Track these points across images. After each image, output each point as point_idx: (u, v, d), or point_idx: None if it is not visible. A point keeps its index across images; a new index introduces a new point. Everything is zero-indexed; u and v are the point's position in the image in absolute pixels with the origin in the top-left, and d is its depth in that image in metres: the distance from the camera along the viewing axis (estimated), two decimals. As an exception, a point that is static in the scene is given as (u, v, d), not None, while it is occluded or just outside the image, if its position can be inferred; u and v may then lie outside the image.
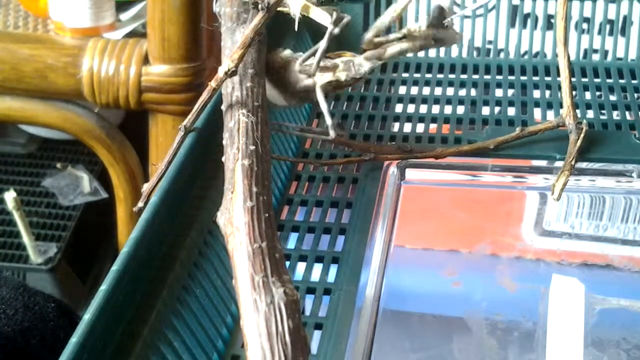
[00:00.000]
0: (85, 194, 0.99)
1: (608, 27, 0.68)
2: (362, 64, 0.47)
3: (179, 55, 0.77)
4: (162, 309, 0.40)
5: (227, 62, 0.42)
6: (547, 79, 0.66)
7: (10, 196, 0.89)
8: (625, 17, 0.67)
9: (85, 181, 1.00)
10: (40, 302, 0.60)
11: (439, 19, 0.43)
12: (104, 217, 0.96)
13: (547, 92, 0.64)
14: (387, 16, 0.43)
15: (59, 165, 1.03)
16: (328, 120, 0.48)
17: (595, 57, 0.68)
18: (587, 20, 0.68)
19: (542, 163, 0.55)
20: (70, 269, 0.95)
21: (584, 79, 0.66)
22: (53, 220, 0.97)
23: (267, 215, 0.37)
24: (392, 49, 0.43)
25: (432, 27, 0.43)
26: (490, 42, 0.69)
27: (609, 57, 0.68)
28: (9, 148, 1.07)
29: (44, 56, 0.79)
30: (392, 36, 0.44)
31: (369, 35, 0.43)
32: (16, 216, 0.91)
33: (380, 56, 0.43)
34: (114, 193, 0.88)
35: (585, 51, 0.68)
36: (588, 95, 0.64)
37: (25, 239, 0.91)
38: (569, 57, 0.54)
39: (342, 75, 0.48)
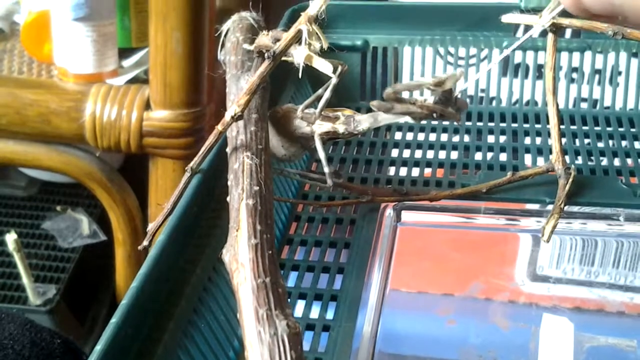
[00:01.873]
0: (85, 236, 1.00)
1: (596, 77, 0.69)
2: (361, 121, 0.49)
3: (180, 101, 0.78)
4: (168, 342, 0.41)
5: (234, 107, 0.44)
6: (537, 126, 0.67)
7: (10, 238, 0.90)
8: (612, 68, 0.69)
9: (85, 224, 1.01)
10: (47, 339, 0.60)
11: (446, 99, 0.46)
12: (103, 260, 0.96)
13: (538, 139, 0.65)
14: (421, 81, 0.46)
15: (58, 207, 1.04)
16: (326, 169, 0.49)
17: (584, 106, 0.70)
18: (575, 70, 0.70)
19: (534, 206, 0.56)
20: (69, 311, 0.95)
21: (572, 127, 0.67)
22: (52, 262, 0.98)
23: (270, 252, 0.38)
24: (401, 108, 0.46)
25: (439, 104, 0.46)
26: (482, 91, 0.71)
27: (597, 106, 0.70)
28: (10, 191, 1.07)
29: (47, 101, 0.80)
30: (406, 99, 0.47)
31: (395, 87, 0.45)
32: (16, 258, 0.91)
33: (389, 109, 0.45)
34: (113, 236, 0.89)
35: (575, 100, 0.70)
36: (577, 142, 0.65)
37: (25, 280, 0.91)
38: (557, 106, 0.55)
39: (340, 128, 0.49)
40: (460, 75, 0.45)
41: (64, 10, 0.78)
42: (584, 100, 0.70)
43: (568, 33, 0.74)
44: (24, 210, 1.06)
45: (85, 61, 0.80)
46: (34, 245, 1.00)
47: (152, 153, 0.82)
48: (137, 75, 0.83)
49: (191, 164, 0.46)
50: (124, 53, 0.84)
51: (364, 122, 0.49)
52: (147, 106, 0.79)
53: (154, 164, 0.82)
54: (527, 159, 0.63)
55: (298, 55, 0.44)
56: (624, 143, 0.64)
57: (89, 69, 0.81)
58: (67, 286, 0.95)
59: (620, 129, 0.66)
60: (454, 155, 0.63)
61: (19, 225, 1.03)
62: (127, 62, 0.84)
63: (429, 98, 0.46)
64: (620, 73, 0.69)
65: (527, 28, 0.57)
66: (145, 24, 0.79)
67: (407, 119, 0.47)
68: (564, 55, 0.69)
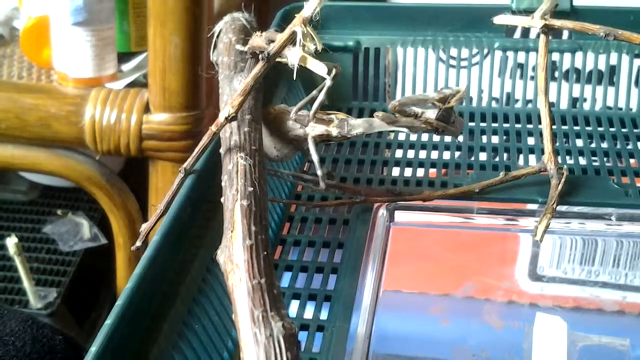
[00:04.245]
0: (85, 240, 1.00)
1: (588, 77, 0.69)
2: (355, 126, 0.49)
3: (179, 104, 0.78)
4: (163, 343, 0.41)
5: (228, 108, 0.44)
6: (529, 126, 0.67)
7: (11, 242, 0.90)
8: (604, 68, 0.69)
9: (85, 227, 1.01)
10: (48, 335, 0.61)
11: (447, 116, 0.46)
12: (104, 263, 0.96)
13: (530, 139, 0.65)
14: (426, 96, 0.47)
15: (59, 212, 1.04)
16: (318, 171, 0.49)
17: (576, 106, 0.70)
18: (568, 70, 0.70)
19: (527, 206, 0.56)
20: (70, 314, 0.95)
21: (564, 127, 0.67)
22: (53, 266, 0.98)
23: (265, 253, 0.38)
24: (405, 121, 0.46)
25: (440, 120, 0.46)
26: (475, 91, 0.71)
27: (589, 106, 0.70)
28: (11, 195, 1.08)
29: (47, 105, 0.80)
30: (409, 112, 0.47)
31: (400, 101, 0.46)
32: (17, 262, 0.91)
33: (394, 121, 0.46)
34: (113, 239, 0.89)
35: (567, 100, 0.70)
36: (569, 142, 0.65)
37: (26, 284, 0.92)
38: (549, 106, 0.56)
39: (333, 131, 0.50)
40: (464, 94, 0.46)
41: (63, 15, 0.79)
42: (576, 100, 0.70)
43: (565, 34, 0.75)
44: (25, 215, 1.06)
45: (84, 65, 0.81)
46: (35, 249, 1.01)
47: (151, 156, 0.82)
48: (136, 79, 0.83)
49: (184, 165, 0.46)
50: (123, 57, 0.84)
51: (358, 126, 0.49)
52: (146, 109, 0.79)
53: (154, 167, 0.83)
54: (520, 159, 0.63)
55: (292, 57, 0.45)
56: (615, 143, 0.65)
57: (89, 73, 0.81)
58: (67, 290, 0.95)
59: (612, 129, 0.67)
60: (447, 155, 0.64)
61: (19, 230, 1.03)
62: (127, 66, 0.84)
63: (427, 111, 0.47)
64: (612, 74, 0.69)
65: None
66: (144, 28, 0.79)
67: (405, 130, 0.48)
68: (555, 55, 0.69)
